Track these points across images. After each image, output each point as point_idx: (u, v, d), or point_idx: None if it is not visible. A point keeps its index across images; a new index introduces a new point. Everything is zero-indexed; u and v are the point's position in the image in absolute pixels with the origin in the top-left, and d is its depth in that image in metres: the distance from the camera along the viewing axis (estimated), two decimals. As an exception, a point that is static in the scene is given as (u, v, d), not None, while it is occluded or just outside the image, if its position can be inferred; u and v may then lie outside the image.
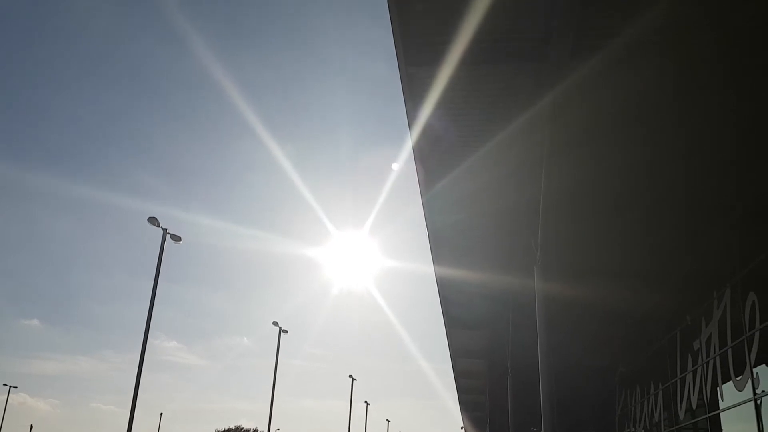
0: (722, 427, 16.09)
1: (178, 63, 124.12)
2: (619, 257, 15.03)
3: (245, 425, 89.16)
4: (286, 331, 48.16)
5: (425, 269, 19.05)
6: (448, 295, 19.30)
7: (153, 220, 29.47)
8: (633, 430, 24.81)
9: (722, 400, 15.88)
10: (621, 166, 10.88)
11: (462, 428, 58.23)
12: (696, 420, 17.85)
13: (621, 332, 21.20)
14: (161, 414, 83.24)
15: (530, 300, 12.67)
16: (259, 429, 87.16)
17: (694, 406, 17.66)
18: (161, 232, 29.97)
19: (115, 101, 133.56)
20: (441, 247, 15.47)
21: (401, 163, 12.90)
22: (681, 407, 18.58)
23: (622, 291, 16.64)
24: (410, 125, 9.83)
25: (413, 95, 8.89)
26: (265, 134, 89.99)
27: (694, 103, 9.09)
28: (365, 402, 69.29)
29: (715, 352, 15.87)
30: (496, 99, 8.92)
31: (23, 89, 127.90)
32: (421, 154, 10.89)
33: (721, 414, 16.05)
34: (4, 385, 73.84)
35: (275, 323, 46.91)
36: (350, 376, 60.86)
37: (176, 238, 30.43)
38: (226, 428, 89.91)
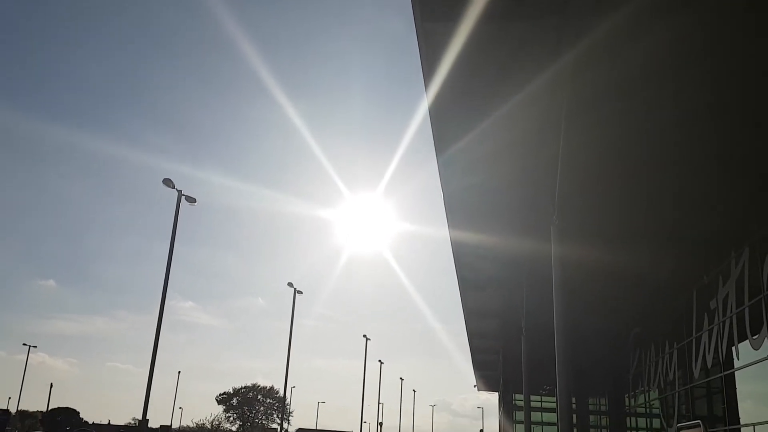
0: (737, 386, 16.14)
1: (190, 21, 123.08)
2: (637, 219, 14.89)
3: (261, 383, 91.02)
4: (301, 292, 48.63)
5: (438, 232, 19.00)
6: (463, 257, 19.27)
7: (168, 182, 29.54)
8: (647, 389, 24.96)
9: (738, 359, 15.89)
10: (642, 126, 10.66)
11: (475, 386, 58.97)
12: (710, 379, 17.89)
13: (636, 293, 21.15)
14: (179, 372, 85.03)
15: (545, 262, 12.60)
16: (275, 387, 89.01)
17: (709, 365, 17.70)
18: (176, 193, 30.11)
19: (127, 61, 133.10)
20: (456, 209, 15.38)
21: (418, 121, 12.69)
22: (696, 366, 18.62)
23: (639, 252, 16.55)
24: (426, 84, 9.65)
25: (429, 52, 8.68)
26: (279, 93, 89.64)
27: (723, 58, 8.81)
28: (379, 361, 70.21)
29: (732, 312, 15.82)
30: (515, 56, 8.69)
31: (37, 49, 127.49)
32: (437, 114, 10.72)
33: (735, 373, 16.08)
34: (24, 344, 75.73)
35: (290, 284, 47.35)
36: (364, 335, 61.63)
37: (191, 200, 30.53)
38: (243, 386, 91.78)
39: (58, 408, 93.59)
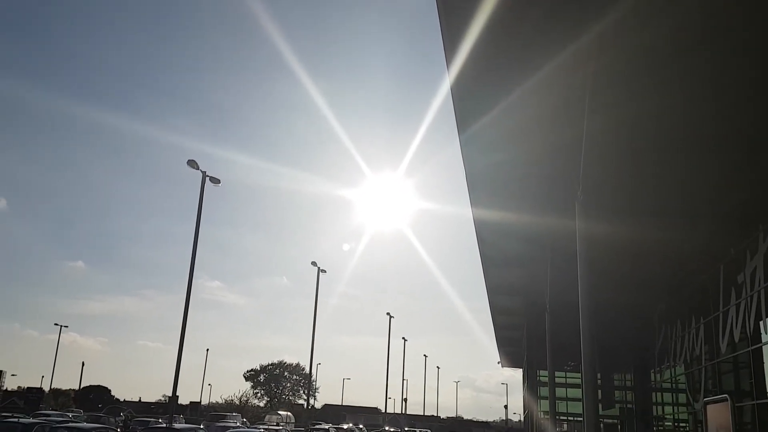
0: (764, 360, 16.04)
1: (212, 1, 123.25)
2: (663, 194, 14.75)
3: (287, 360, 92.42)
4: (325, 271, 48.89)
5: (460, 210, 19.01)
6: (486, 235, 19.28)
7: (192, 163, 29.80)
8: (673, 364, 24.89)
9: (765, 333, 15.77)
10: (668, 101, 10.53)
11: (499, 363, 59.20)
12: (737, 353, 17.80)
13: (662, 268, 21.02)
14: (207, 350, 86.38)
15: (569, 239, 12.57)
16: (301, 364, 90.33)
17: (736, 340, 17.60)
18: (200, 174, 30.42)
19: (150, 41, 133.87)
20: (479, 187, 15.37)
21: (440, 99, 12.69)
22: (723, 341, 18.52)
23: (665, 228, 16.42)
24: (448, 62, 9.62)
25: (451, 29, 8.65)
26: (301, 72, 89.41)
27: (752, 33, 8.65)
28: (402, 338, 70.62)
29: (759, 286, 15.68)
30: (538, 33, 8.62)
31: (62, 30, 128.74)
32: (459, 92, 10.70)
33: (763, 347, 15.97)
34: (55, 324, 77.24)
35: (313, 263, 47.61)
36: (388, 313, 61.85)
37: (215, 181, 30.82)
38: (270, 363, 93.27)
39: (90, 386, 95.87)
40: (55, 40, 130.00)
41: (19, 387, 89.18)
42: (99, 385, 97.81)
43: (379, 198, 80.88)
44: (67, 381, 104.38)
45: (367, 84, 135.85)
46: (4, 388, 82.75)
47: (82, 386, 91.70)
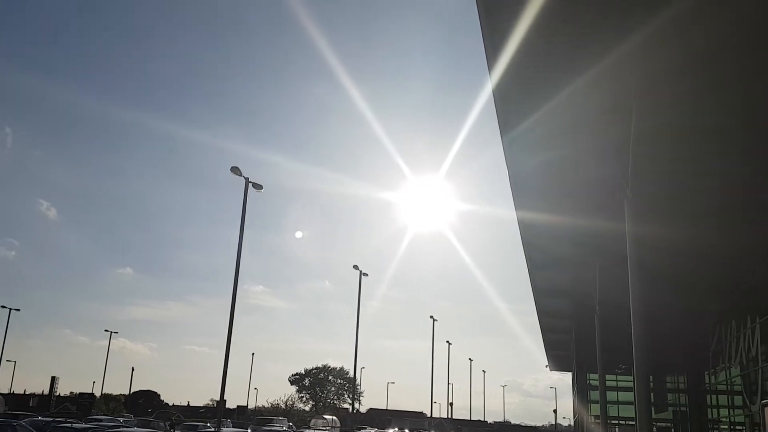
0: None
1: (254, 5, 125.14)
2: (715, 194, 14.32)
3: (331, 364, 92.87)
4: (367, 275, 49.01)
5: (502, 211, 18.80)
6: (531, 237, 19.01)
7: (235, 170, 30.27)
8: (727, 365, 24.15)
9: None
10: (717, 102, 10.20)
11: (547, 366, 58.36)
12: (798, 355, 17.18)
13: (715, 268, 20.40)
14: (252, 354, 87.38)
15: (618, 240, 12.32)
16: (345, 368, 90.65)
17: (796, 341, 17.00)
18: (243, 180, 30.89)
19: (193, 46, 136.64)
20: (522, 189, 15.17)
21: (482, 102, 12.57)
22: (781, 342, 17.91)
23: (718, 227, 15.95)
24: (489, 66, 9.51)
25: (493, 36, 8.54)
26: (343, 75, 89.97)
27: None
28: (447, 342, 70.23)
29: (820, 285, 15.12)
30: (582, 37, 8.44)
31: (105, 36, 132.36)
32: (501, 95, 10.57)
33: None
34: (106, 330, 79.20)
35: (355, 267, 47.74)
36: (431, 316, 61.65)
37: (258, 187, 31.23)
38: (314, 367, 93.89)
39: (140, 391, 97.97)
40: (102, 49, 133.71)
41: (71, 392, 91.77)
42: (148, 390, 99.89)
43: (420, 200, 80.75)
44: (118, 386, 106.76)
45: (408, 87, 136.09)
46: (57, 393, 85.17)
47: (132, 391, 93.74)
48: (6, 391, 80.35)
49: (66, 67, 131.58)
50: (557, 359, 52.40)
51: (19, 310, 67.23)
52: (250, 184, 31.09)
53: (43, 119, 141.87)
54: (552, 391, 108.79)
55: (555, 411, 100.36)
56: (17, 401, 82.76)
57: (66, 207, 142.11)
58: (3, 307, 64.80)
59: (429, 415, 74.63)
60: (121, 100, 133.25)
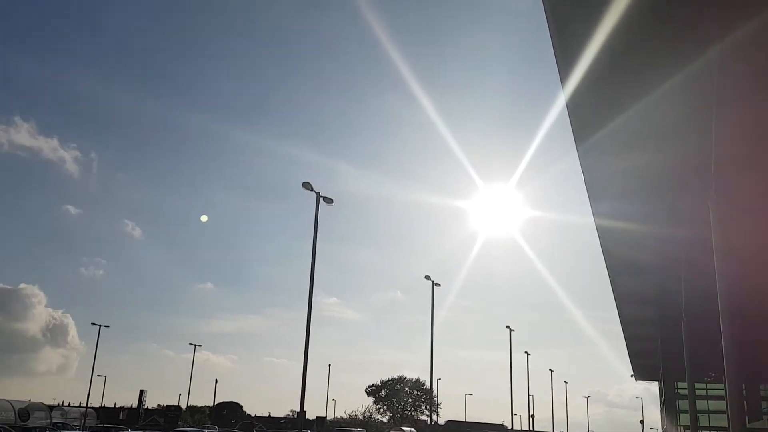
0: None
1: (328, 16, 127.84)
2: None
3: (407, 375, 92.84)
4: (439, 285, 48.99)
5: (576, 218, 18.51)
6: (611, 245, 18.66)
7: (307, 185, 31.06)
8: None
9: None
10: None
11: (632, 376, 56.59)
12: None
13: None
14: (329, 365, 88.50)
15: (703, 244, 12.01)
16: (421, 379, 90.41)
17: None
18: (315, 195, 31.64)
19: (263, 65, 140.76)
20: (600, 197, 14.96)
21: (556, 111, 12.52)
22: None
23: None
24: (562, 79, 9.52)
25: (565, 52, 8.57)
26: (416, 86, 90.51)
27: None
28: (525, 353, 69.15)
29: None
30: (660, 47, 8.36)
31: (176, 54, 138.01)
32: (574, 106, 10.52)
33: None
34: (190, 344, 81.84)
35: (427, 277, 47.82)
36: (507, 326, 60.95)
37: (328, 201, 31.92)
38: (390, 378, 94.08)
39: (224, 402, 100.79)
40: (169, 65, 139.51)
41: (159, 405, 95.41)
42: (231, 401, 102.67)
43: (490, 209, 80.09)
44: (202, 398, 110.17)
45: (480, 97, 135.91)
46: (146, 406, 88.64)
47: (216, 402, 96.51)
48: (97, 405, 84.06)
49: (143, 89, 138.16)
50: (643, 368, 50.75)
51: (108, 326, 70.59)
52: (321, 198, 31.83)
53: (125, 143, 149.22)
54: (638, 401, 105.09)
55: (642, 422, 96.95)
56: (108, 414, 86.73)
57: (149, 226, 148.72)
58: (93, 324, 68.19)
59: (510, 428, 73.57)
60: (199, 120, 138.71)
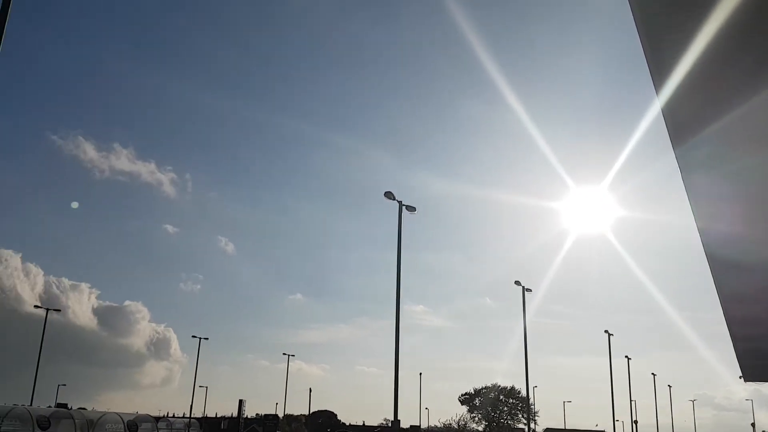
0: None
1: (415, 19, 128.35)
2: None
3: (501, 383, 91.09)
4: (530, 290, 48.01)
5: (673, 219, 17.45)
6: (714, 247, 17.53)
7: (389, 195, 31.07)
8: None
9: None
10: None
11: (740, 377, 53.36)
12: None
13: None
14: (420, 374, 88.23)
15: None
16: (516, 387, 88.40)
17: None
18: (397, 204, 31.59)
19: (344, 76, 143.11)
20: (700, 198, 14.03)
21: (651, 117, 11.81)
22: None
23: None
24: (656, 87, 8.93)
25: (658, 64, 8.00)
26: (506, 89, 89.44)
27: None
28: (626, 357, 66.60)
29: None
30: (762, 58, 7.66)
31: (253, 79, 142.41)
32: (670, 112, 9.87)
33: None
34: (283, 354, 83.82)
35: (517, 282, 46.98)
36: (606, 331, 58.95)
37: (411, 209, 31.85)
38: (484, 386, 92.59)
39: (319, 411, 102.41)
40: (256, 82, 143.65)
41: (257, 414, 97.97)
42: (326, 410, 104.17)
43: (581, 210, 77.67)
44: (297, 407, 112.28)
45: (571, 97, 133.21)
46: (245, 415, 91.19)
47: (311, 411, 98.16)
48: (200, 415, 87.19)
49: (230, 105, 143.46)
50: (753, 368, 47.76)
51: (207, 338, 73.25)
52: (404, 207, 31.76)
53: (216, 163, 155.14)
54: (748, 403, 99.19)
55: (753, 425, 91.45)
56: (210, 424, 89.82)
57: (241, 241, 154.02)
58: (194, 336, 71.03)
59: (611, 434, 70.92)
60: (279, 134, 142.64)
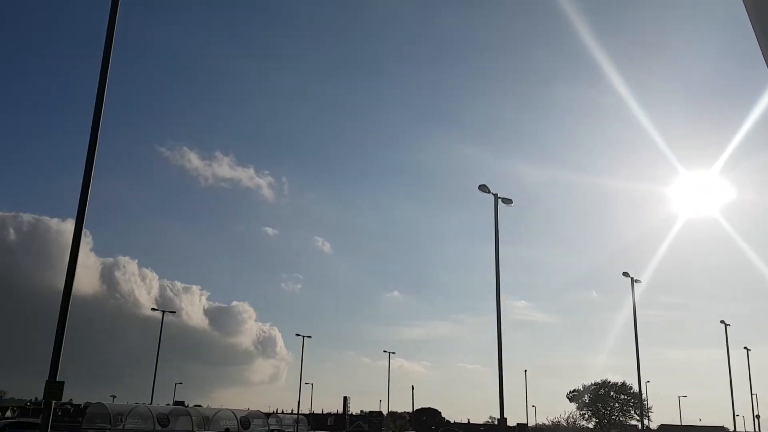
0: None
1: (524, 10, 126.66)
2: None
3: (611, 379, 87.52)
4: (639, 281, 45.90)
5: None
6: None
7: (483, 187, 30.34)
8: None
9: None
10: None
11: None
12: None
13: None
14: (525, 371, 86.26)
15: None
16: (627, 382, 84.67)
17: None
18: (492, 197, 30.78)
19: (434, 69, 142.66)
20: None
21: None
22: None
23: None
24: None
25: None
26: (610, 72, 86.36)
27: None
28: (744, 348, 62.36)
29: None
30: None
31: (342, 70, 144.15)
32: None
33: None
34: (384, 351, 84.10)
35: (625, 273, 44.96)
36: (722, 321, 55.45)
37: (507, 201, 30.93)
38: (593, 383, 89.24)
39: (422, 409, 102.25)
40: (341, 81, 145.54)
41: (361, 411, 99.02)
42: (430, 408, 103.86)
43: (691, 196, 73.53)
44: (400, 404, 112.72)
45: (681, 80, 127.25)
46: (350, 412, 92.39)
47: (414, 409, 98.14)
48: (307, 412, 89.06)
49: (320, 113, 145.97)
50: None
51: (310, 336, 74.68)
52: (500, 200, 30.93)
53: (310, 165, 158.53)
54: None
55: None
56: (317, 421, 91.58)
57: (337, 241, 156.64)
58: (297, 335, 72.54)
59: (732, 430, 66.76)
60: (371, 133, 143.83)
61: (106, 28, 17.89)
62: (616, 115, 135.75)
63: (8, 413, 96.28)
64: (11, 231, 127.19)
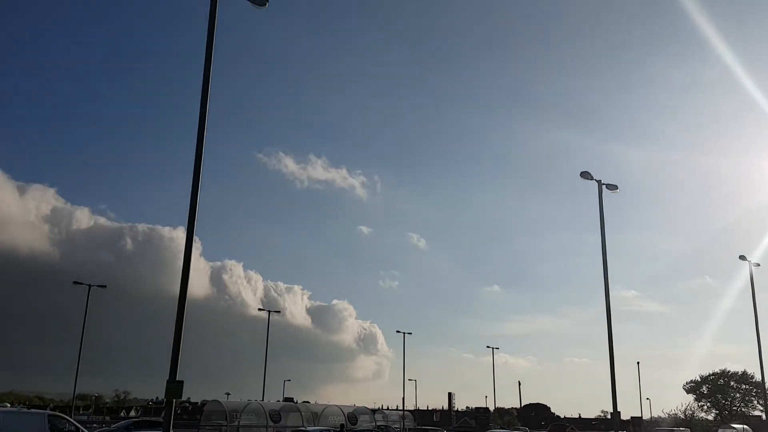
0: None
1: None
2: None
3: (730, 368, 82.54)
4: (758, 264, 43.30)
5: None
6: None
7: (586, 174, 29.38)
8: None
9: None
10: None
11: None
12: None
13: None
14: (638, 363, 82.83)
15: None
16: (748, 371, 79.63)
17: None
18: (596, 184, 29.80)
19: (524, 58, 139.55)
20: None
21: None
22: None
23: None
24: None
25: None
26: (715, 41, 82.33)
27: None
28: None
29: None
30: None
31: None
32: None
33: None
34: (487, 347, 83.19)
35: (742, 257, 42.45)
36: None
37: (612, 188, 29.87)
38: (711, 373, 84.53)
39: (531, 404, 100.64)
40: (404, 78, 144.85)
41: (467, 407, 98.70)
42: (538, 403, 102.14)
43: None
44: (507, 400, 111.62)
45: None
46: (456, 408, 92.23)
47: (522, 404, 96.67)
48: (412, 408, 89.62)
49: (398, 109, 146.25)
50: None
51: (411, 333, 74.95)
52: (604, 186, 29.94)
53: (400, 162, 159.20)
54: None
55: None
56: (422, 416, 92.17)
57: (432, 236, 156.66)
58: (398, 331, 73.03)
59: None
60: (459, 123, 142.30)
61: (205, 41, 18.65)
62: (722, 87, 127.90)
63: (132, 412, 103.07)
64: (128, 240, 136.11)
